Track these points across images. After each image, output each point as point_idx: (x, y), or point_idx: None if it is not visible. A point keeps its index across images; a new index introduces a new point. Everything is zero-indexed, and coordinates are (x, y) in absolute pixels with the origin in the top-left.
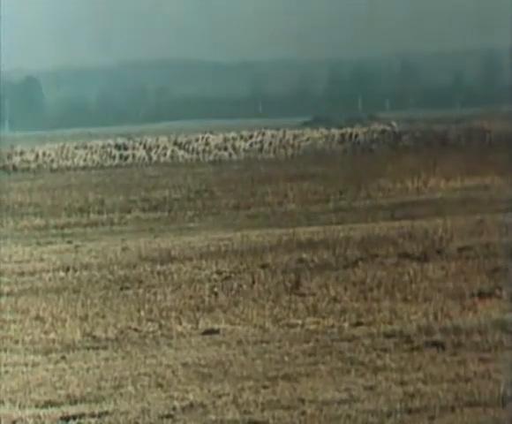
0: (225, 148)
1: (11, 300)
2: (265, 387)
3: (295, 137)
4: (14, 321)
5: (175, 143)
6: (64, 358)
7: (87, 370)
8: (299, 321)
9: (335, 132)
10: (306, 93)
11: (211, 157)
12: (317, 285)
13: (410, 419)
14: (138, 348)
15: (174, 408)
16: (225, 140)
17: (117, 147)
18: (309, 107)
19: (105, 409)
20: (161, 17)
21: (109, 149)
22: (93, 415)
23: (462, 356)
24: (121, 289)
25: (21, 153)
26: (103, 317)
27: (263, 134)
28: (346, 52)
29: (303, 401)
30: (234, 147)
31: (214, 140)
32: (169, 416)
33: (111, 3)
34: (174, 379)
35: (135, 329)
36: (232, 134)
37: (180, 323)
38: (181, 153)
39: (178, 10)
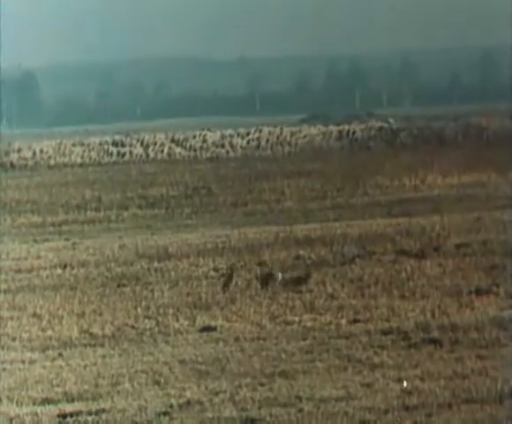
0: (222, 145)
1: (9, 298)
2: (262, 384)
3: (292, 134)
4: (11, 319)
5: (172, 140)
6: (61, 355)
7: (84, 367)
8: (296, 319)
9: (333, 128)
10: (304, 90)
11: (208, 154)
12: (314, 282)
13: (408, 416)
14: (135, 345)
15: (171, 405)
16: (222, 137)
17: (115, 144)
18: (306, 104)
19: (102, 406)
20: (158, 14)
21: (106, 146)
22: (90, 413)
23: (459, 353)
24: (118, 286)
25: (19, 150)
26: (100, 314)
27: (260, 131)
28: (344, 49)
29: (300, 398)
30: (231, 145)
31: (212, 137)
32: (166, 413)
33: (109, 1)
34: (171, 376)
35: (132, 327)
36: (229, 131)
37: (177, 320)
38: (178, 150)
39: (176, 7)
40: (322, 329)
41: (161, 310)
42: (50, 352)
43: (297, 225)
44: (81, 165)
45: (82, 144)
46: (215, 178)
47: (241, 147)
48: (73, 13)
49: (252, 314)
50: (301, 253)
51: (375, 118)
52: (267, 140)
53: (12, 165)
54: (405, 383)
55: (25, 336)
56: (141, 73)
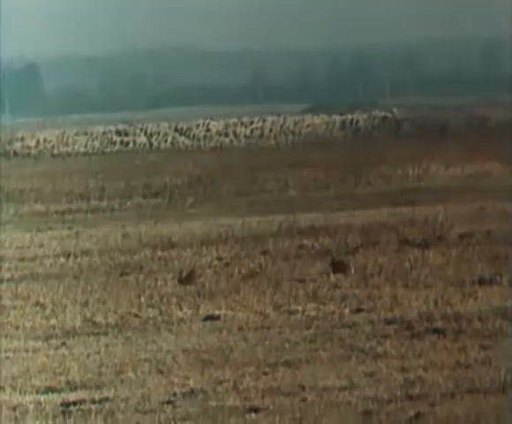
0: (226, 135)
1: (12, 286)
2: (265, 373)
3: (295, 123)
4: (15, 307)
5: (176, 129)
6: (64, 344)
7: (88, 356)
8: (300, 308)
9: (336, 118)
10: (307, 79)
11: (212, 144)
12: (317, 272)
13: (411, 405)
14: (138, 334)
15: (174, 394)
16: (226, 126)
17: (118, 133)
18: (310, 93)
19: (105, 395)
20: (161, 4)
21: (109, 135)
22: (93, 401)
23: (462, 343)
24: (121, 275)
25: (22, 139)
26: (104, 303)
27: (264, 121)
28: (347, 39)
29: (303, 387)
30: (235, 134)
31: (215, 126)
32: (169, 402)
33: None
34: (174, 365)
35: (135, 315)
36: (233, 120)
37: (180, 309)
38: (182, 139)
39: None
40: (325, 318)
41: (164, 299)
42: (54, 341)
43: (301, 215)
44: (85, 154)
45: (85, 133)
46: (219, 168)
47: (244, 136)
48: (74, 4)
49: (256, 304)
50: (304, 242)
51: (379, 108)
52: (271, 130)
53: (16, 154)
54: None
55: (28, 324)
56: (144, 63)
